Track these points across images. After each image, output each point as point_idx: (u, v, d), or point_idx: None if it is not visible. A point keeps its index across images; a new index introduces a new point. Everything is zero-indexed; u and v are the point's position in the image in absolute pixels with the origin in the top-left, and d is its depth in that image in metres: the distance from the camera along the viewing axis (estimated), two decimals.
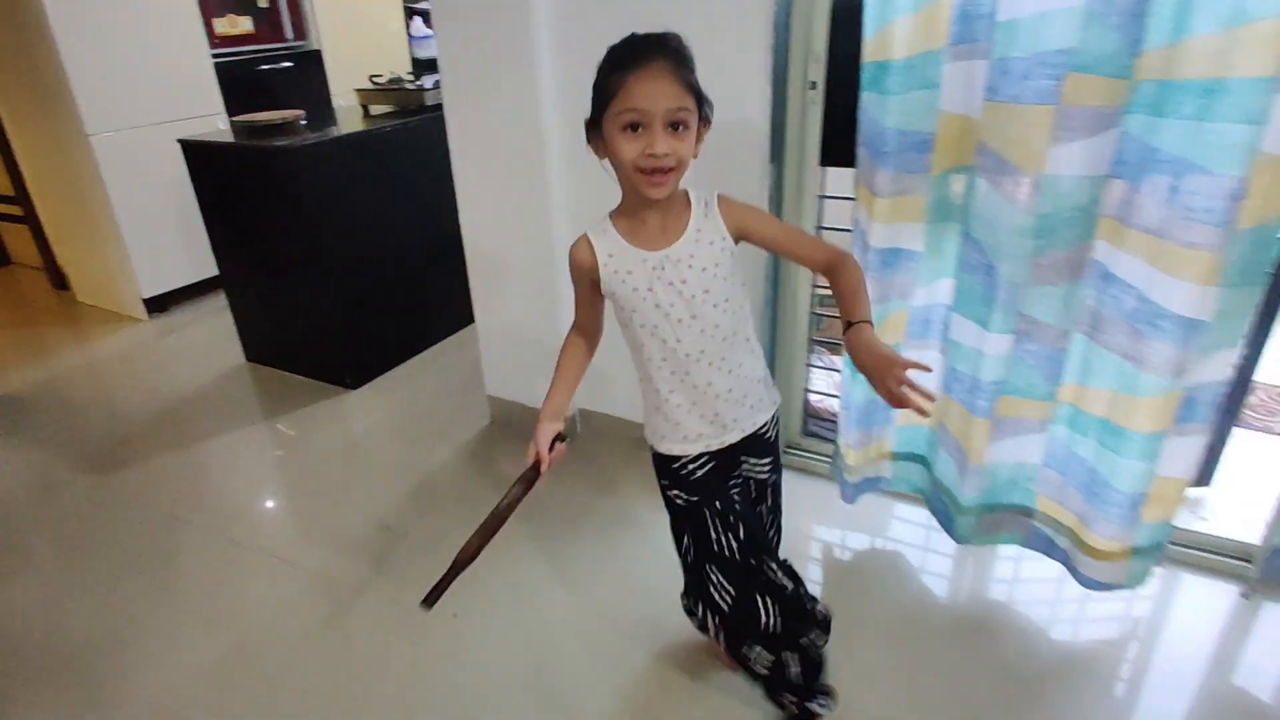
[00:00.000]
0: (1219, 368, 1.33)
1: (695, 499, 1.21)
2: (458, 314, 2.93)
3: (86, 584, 1.81)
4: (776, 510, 1.36)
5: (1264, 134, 1.13)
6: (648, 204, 1.06)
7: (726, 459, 1.22)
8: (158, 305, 3.30)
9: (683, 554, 1.26)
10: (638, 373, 1.22)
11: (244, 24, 3.46)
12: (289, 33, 3.66)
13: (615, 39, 1.07)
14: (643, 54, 0.98)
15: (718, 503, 1.20)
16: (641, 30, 1.04)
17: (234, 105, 3.25)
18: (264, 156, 2.39)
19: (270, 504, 2.13)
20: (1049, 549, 1.62)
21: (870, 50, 1.35)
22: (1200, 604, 1.60)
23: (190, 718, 1.47)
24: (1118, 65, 1.21)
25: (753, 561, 1.20)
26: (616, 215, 1.13)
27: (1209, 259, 1.21)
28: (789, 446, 2.08)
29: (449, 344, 2.94)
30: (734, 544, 1.18)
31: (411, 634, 1.63)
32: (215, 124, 3.21)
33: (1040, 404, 1.51)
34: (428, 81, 2.88)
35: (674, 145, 0.99)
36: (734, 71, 1.60)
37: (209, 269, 3.09)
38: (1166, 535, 1.51)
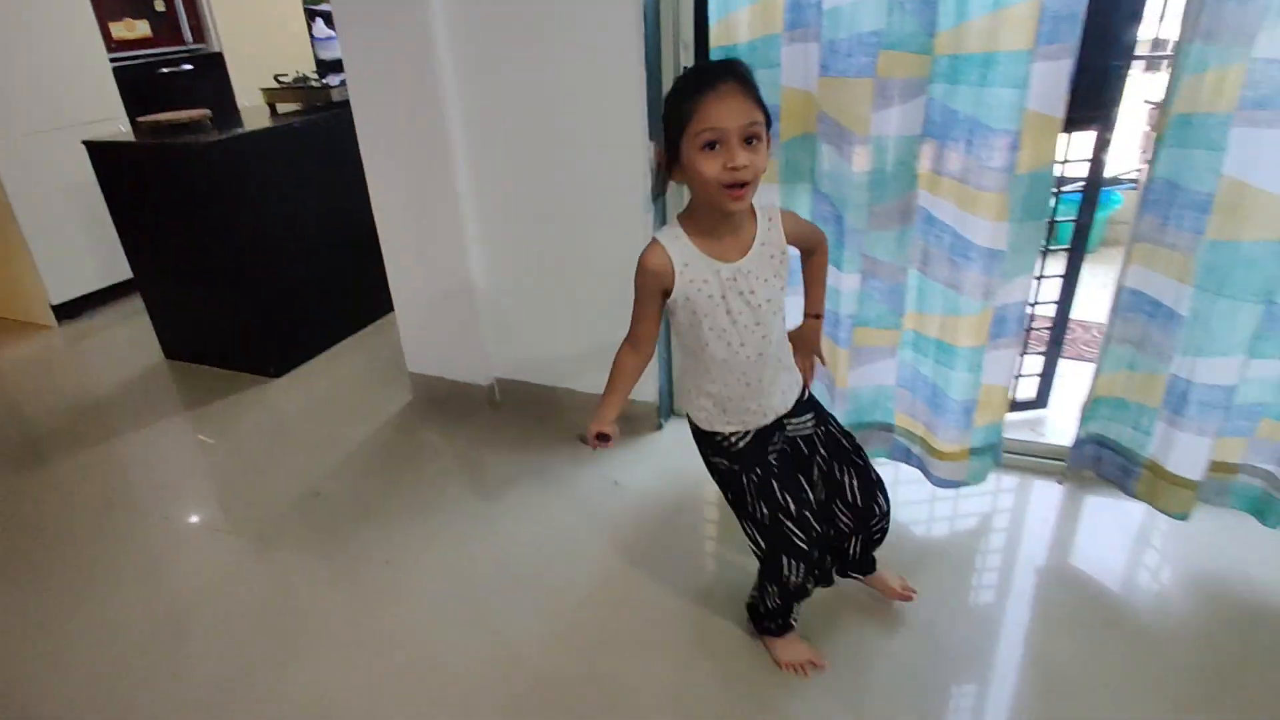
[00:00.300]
0: (1020, 291, 1.62)
1: (736, 467, 1.32)
2: (377, 302, 3.04)
3: (14, 574, 1.86)
4: (845, 453, 1.38)
5: (1028, 95, 1.40)
6: (724, 218, 1.14)
7: (768, 430, 1.33)
8: (68, 312, 3.28)
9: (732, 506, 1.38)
10: (685, 360, 1.32)
11: (141, 28, 3.46)
12: (188, 35, 3.68)
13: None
14: (713, 77, 1.06)
15: (757, 470, 1.30)
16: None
17: (135, 109, 3.26)
18: (175, 155, 2.45)
19: (201, 483, 2.21)
20: (907, 457, 1.90)
21: (716, 36, 1.57)
22: (1034, 498, 1.89)
23: (130, 682, 1.53)
24: (919, 43, 1.47)
25: (784, 523, 1.28)
26: (688, 226, 1.18)
27: (999, 199, 1.49)
28: None
29: (370, 330, 3.06)
30: (764, 510, 1.29)
31: (347, 583, 1.76)
32: (117, 127, 3.22)
33: (889, 332, 1.77)
34: (333, 80, 2.98)
35: (751, 158, 1.06)
36: (609, 58, 1.80)
37: (122, 272, 3.11)
38: (998, 436, 1.80)
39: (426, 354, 2.47)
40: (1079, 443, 1.78)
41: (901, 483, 1.93)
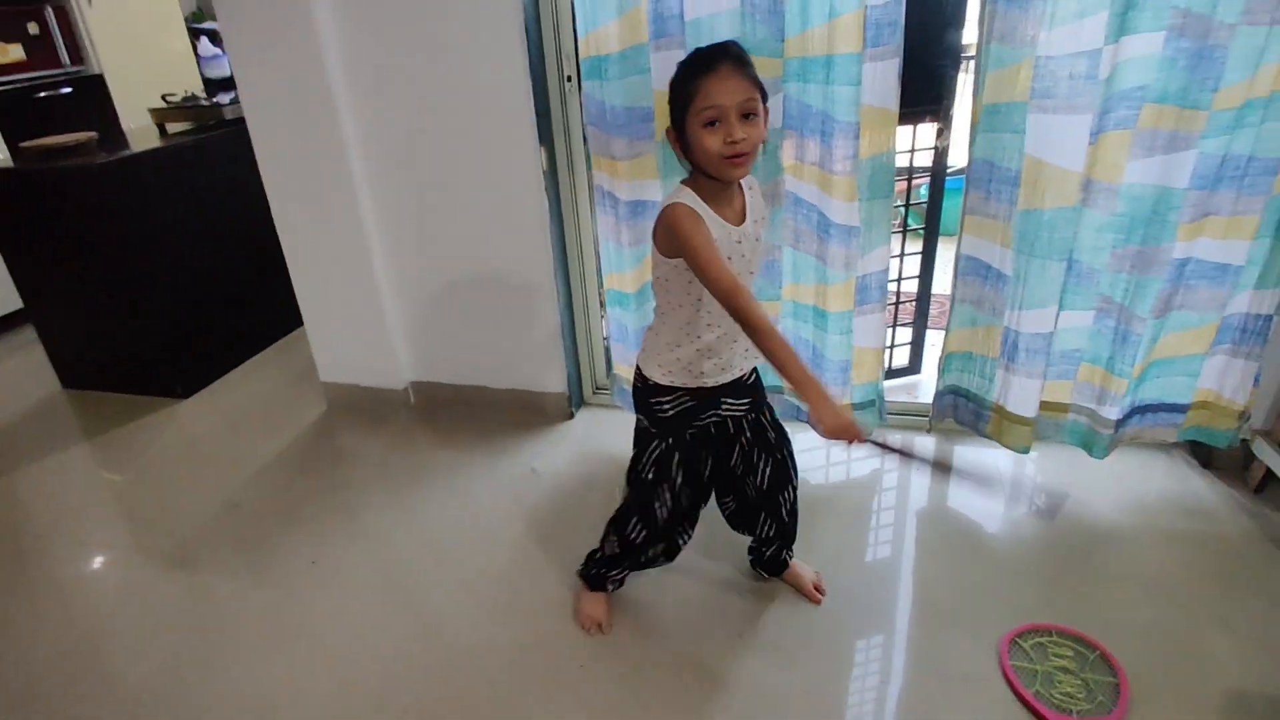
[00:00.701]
0: (877, 262, 1.83)
1: (653, 430, 1.43)
2: (287, 315, 3.06)
3: None
4: (768, 445, 1.48)
5: (863, 91, 1.61)
6: (724, 187, 1.24)
7: (705, 400, 1.39)
8: None
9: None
10: (664, 320, 1.36)
11: (14, 52, 3.35)
12: (65, 58, 3.57)
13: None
14: (712, 60, 1.15)
15: (670, 440, 1.42)
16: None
17: (14, 135, 3.15)
18: (63, 180, 2.42)
19: (111, 508, 2.19)
20: (798, 414, 2.09)
21: (585, 48, 1.72)
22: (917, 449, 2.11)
23: (50, 696, 1.55)
24: (771, 48, 1.66)
25: (659, 491, 1.44)
26: (699, 192, 1.23)
27: (849, 182, 1.69)
28: (598, 387, 2.44)
29: (282, 344, 3.06)
30: (651, 473, 1.43)
31: (271, 585, 1.81)
32: None
33: (772, 304, 1.96)
34: (224, 98, 2.98)
35: (749, 131, 1.15)
36: (496, 68, 1.93)
37: (12, 303, 3.01)
38: (875, 393, 2.01)
39: (339, 363, 2.52)
40: (939, 395, 2.01)
41: (795, 439, 2.12)
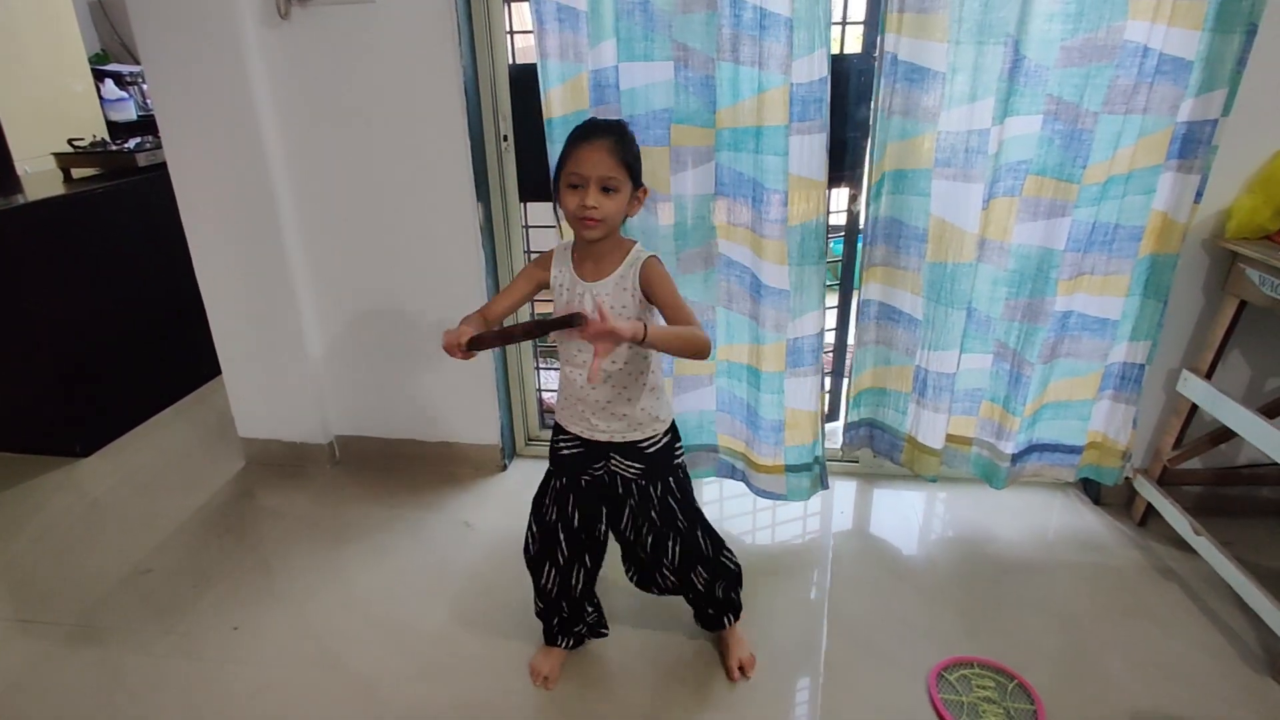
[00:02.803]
0: (811, 325, 1.93)
1: (551, 468, 1.53)
2: (198, 367, 2.93)
3: None
4: (671, 517, 1.50)
5: (790, 161, 1.74)
6: (586, 245, 1.35)
7: (595, 450, 1.46)
8: None
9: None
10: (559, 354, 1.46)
11: None
12: None
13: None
14: (590, 133, 1.28)
15: (564, 480, 1.50)
16: None
17: None
18: None
19: (9, 574, 2.00)
20: (732, 473, 2.16)
21: (545, 109, 1.79)
22: (836, 494, 2.21)
23: None
24: (703, 118, 1.77)
25: (558, 542, 1.52)
26: (574, 242, 1.40)
27: (779, 246, 1.81)
28: (530, 439, 2.45)
29: (192, 398, 2.92)
30: (552, 515, 1.51)
31: (186, 655, 1.70)
32: None
33: (706, 363, 2.04)
34: (130, 143, 2.88)
35: (602, 202, 1.27)
36: (436, 129, 1.97)
37: None
38: (811, 457, 2.05)
39: (259, 417, 2.43)
40: (851, 425, 2.16)
41: (728, 497, 2.20)
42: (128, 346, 2.68)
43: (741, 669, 1.60)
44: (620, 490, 1.51)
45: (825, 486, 2.10)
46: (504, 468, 2.38)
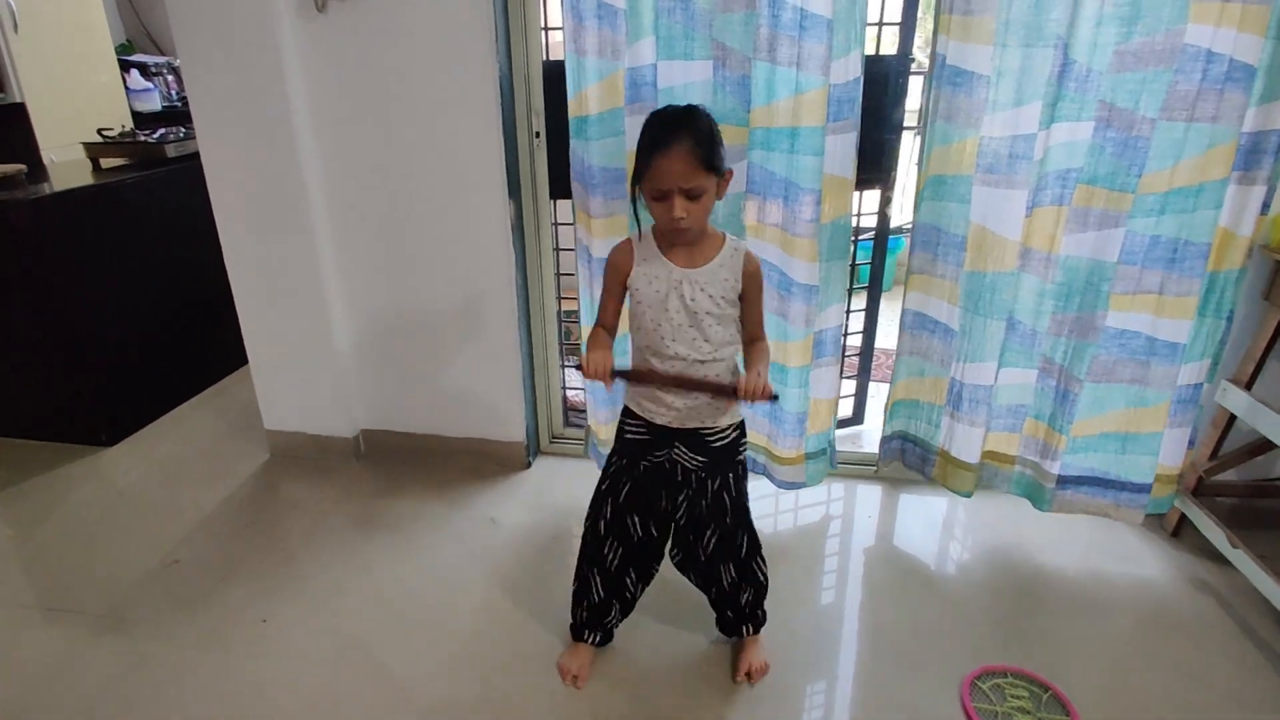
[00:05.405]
0: (833, 318, 1.93)
1: (615, 447, 1.52)
2: (224, 358, 2.95)
3: None
4: (721, 513, 1.51)
5: (825, 162, 1.72)
6: (677, 234, 1.32)
7: (659, 436, 1.45)
8: None
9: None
10: (635, 342, 1.46)
11: None
12: None
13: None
14: (664, 138, 1.23)
15: (625, 459, 1.50)
16: None
17: None
18: None
19: (29, 565, 2.02)
20: (752, 466, 2.15)
21: (573, 108, 1.78)
22: (859, 498, 2.21)
23: None
24: (738, 117, 1.76)
25: (609, 539, 1.53)
26: (656, 232, 1.37)
27: (810, 244, 1.79)
28: (554, 437, 2.44)
29: (217, 389, 2.94)
30: (611, 501, 1.51)
31: (216, 645, 1.71)
32: None
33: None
34: (154, 133, 2.89)
35: (689, 209, 1.25)
36: (469, 124, 1.96)
37: None
38: (827, 442, 2.09)
39: (285, 409, 2.43)
40: (886, 439, 2.13)
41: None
42: (154, 335, 2.69)
43: (749, 675, 1.57)
44: (679, 478, 1.51)
45: (834, 467, 2.16)
46: (528, 465, 2.37)
